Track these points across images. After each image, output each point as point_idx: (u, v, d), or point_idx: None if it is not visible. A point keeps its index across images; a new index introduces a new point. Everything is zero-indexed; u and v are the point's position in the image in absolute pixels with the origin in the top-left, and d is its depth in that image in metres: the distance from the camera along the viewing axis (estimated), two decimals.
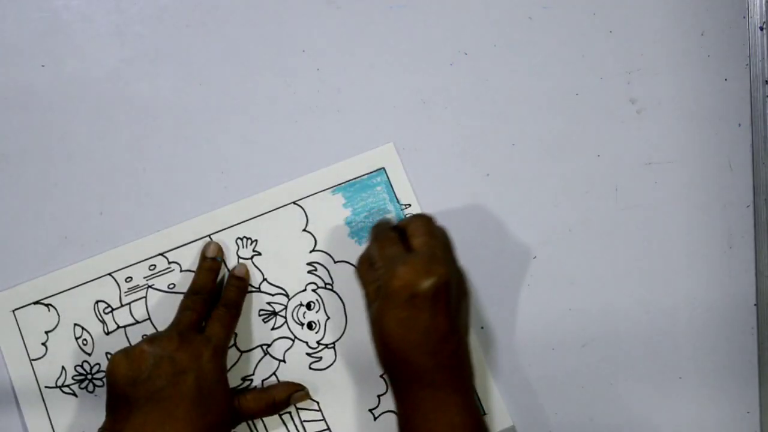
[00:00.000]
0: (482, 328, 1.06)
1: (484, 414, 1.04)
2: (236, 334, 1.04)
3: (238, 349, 1.04)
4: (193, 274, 1.04)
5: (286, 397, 1.02)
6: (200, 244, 1.04)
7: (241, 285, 1.03)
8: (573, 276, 1.08)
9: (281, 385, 1.03)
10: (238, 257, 1.05)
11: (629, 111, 1.08)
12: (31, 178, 1.05)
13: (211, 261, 1.03)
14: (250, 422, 1.03)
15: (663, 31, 1.08)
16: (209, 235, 1.05)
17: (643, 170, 1.08)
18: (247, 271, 1.04)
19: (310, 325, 1.05)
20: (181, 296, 1.02)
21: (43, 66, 1.05)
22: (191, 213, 1.04)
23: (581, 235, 1.08)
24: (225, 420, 0.96)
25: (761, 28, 1.08)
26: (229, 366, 1.03)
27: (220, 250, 1.04)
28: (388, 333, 0.91)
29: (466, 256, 1.05)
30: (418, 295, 0.89)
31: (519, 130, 1.07)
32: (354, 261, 1.04)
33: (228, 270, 1.04)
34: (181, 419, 0.91)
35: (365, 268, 0.98)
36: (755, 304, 1.09)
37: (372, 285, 0.95)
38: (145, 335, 1.03)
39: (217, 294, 1.03)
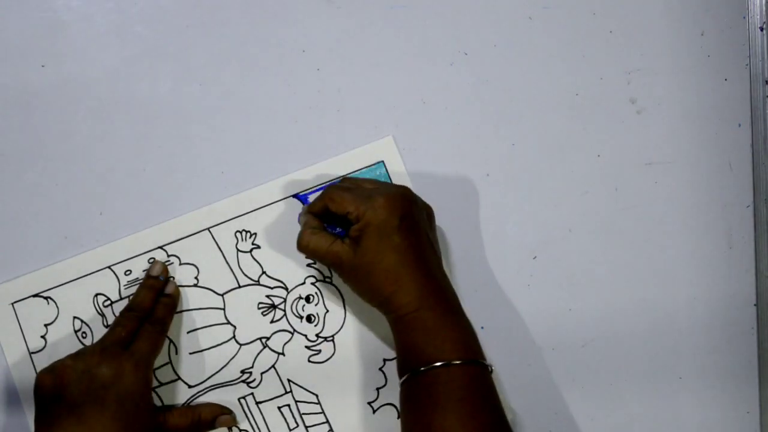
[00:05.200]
0: (482, 328, 1.06)
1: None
2: (234, 327, 1.05)
3: (237, 342, 1.05)
4: (192, 268, 1.04)
5: (212, 418, 1.03)
6: (199, 237, 1.05)
7: (169, 302, 1.03)
8: (573, 276, 1.08)
9: (209, 405, 1.04)
10: (237, 250, 1.05)
11: (629, 111, 1.08)
12: (31, 178, 1.05)
13: (153, 280, 1.03)
14: (248, 417, 1.04)
15: (663, 31, 1.08)
16: (209, 228, 1.05)
17: (643, 170, 1.08)
18: (177, 289, 1.04)
19: (309, 318, 1.05)
20: (186, 289, 1.05)
21: (43, 66, 1.05)
22: (191, 211, 1.05)
23: (581, 235, 1.08)
24: None
25: (761, 28, 1.08)
26: (228, 359, 1.04)
27: (165, 269, 1.04)
28: (386, 263, 0.94)
29: (466, 256, 1.05)
30: (406, 217, 0.94)
31: (519, 130, 1.07)
32: None
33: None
34: None
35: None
36: (755, 304, 1.08)
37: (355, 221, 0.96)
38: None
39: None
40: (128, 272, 1.05)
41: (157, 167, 1.05)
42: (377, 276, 0.94)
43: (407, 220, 0.95)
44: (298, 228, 1.04)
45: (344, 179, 1.03)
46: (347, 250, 0.95)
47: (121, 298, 1.04)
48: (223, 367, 1.05)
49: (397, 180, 1.05)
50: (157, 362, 1.02)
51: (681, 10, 1.08)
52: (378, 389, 1.05)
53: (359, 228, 0.94)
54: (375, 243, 0.94)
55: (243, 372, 1.05)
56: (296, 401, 1.05)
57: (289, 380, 1.05)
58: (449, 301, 0.96)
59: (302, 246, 0.98)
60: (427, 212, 1.00)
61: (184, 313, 1.05)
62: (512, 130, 1.07)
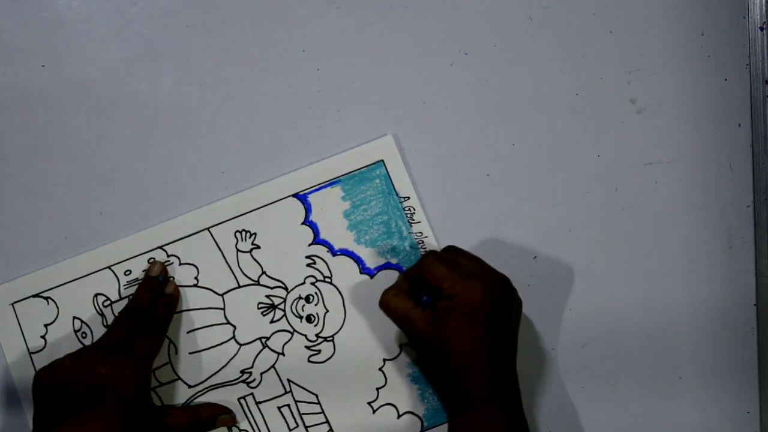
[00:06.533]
0: None
1: None
2: (234, 327, 1.05)
3: (237, 342, 1.05)
4: (192, 268, 1.05)
5: (212, 418, 1.03)
6: (199, 238, 1.05)
7: (169, 302, 1.03)
8: (573, 276, 1.08)
9: (210, 405, 1.04)
10: (237, 250, 1.05)
11: (629, 111, 1.08)
12: (31, 178, 1.05)
13: (153, 280, 1.03)
14: (248, 417, 1.04)
15: (663, 31, 1.08)
16: (208, 228, 1.05)
17: (643, 170, 1.08)
18: (176, 289, 1.05)
19: (309, 318, 1.05)
20: (186, 289, 1.05)
21: (43, 66, 1.05)
22: (191, 211, 1.05)
23: (581, 235, 1.08)
24: None
25: (761, 28, 1.08)
26: (227, 359, 1.05)
27: (164, 270, 1.04)
28: (463, 348, 0.93)
29: None
30: (496, 309, 0.94)
31: (519, 130, 1.07)
32: (353, 251, 1.05)
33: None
34: None
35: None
36: (755, 304, 1.08)
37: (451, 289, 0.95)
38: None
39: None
40: (128, 272, 1.05)
41: (157, 167, 1.05)
42: (449, 357, 0.93)
43: (497, 312, 0.94)
44: (297, 228, 1.04)
45: (448, 248, 1.02)
46: (425, 321, 0.95)
47: (121, 298, 1.05)
48: (222, 367, 1.05)
49: (397, 179, 1.06)
50: (157, 362, 1.02)
51: (681, 10, 1.08)
52: (378, 389, 1.05)
53: (448, 306, 0.94)
54: (458, 325, 0.93)
55: (243, 372, 1.05)
56: (296, 401, 1.05)
57: (288, 380, 1.05)
58: (512, 397, 0.96)
59: (382, 303, 0.98)
60: (518, 306, 0.99)
61: (184, 313, 1.05)
62: (512, 130, 1.07)
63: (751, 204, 1.08)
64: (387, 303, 0.98)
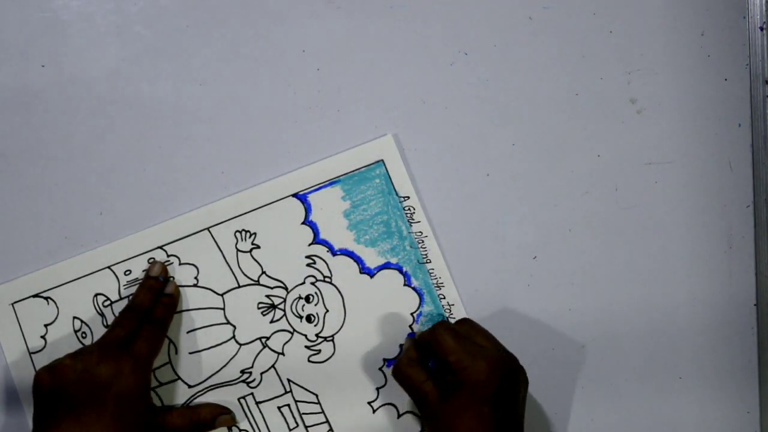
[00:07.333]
0: None
1: None
2: (234, 327, 1.05)
3: (237, 342, 1.05)
4: (192, 268, 1.05)
5: (212, 418, 1.03)
6: (199, 237, 1.05)
7: (169, 302, 1.03)
8: (573, 276, 1.07)
9: (209, 405, 1.04)
10: (237, 250, 1.05)
11: (629, 111, 1.08)
12: (31, 178, 1.05)
13: (153, 280, 1.03)
14: (249, 417, 1.05)
15: (663, 31, 1.08)
16: (208, 228, 1.05)
17: (643, 170, 1.08)
18: (176, 289, 1.05)
19: (309, 318, 1.05)
20: (186, 289, 1.05)
21: (43, 66, 1.05)
22: (191, 211, 1.05)
23: (581, 235, 1.08)
24: None
25: (761, 28, 1.08)
26: (227, 359, 1.05)
27: (164, 270, 1.04)
28: (468, 426, 0.92)
29: (466, 256, 1.05)
30: (502, 388, 0.93)
31: (519, 130, 1.07)
32: (352, 251, 1.05)
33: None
34: None
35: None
36: (755, 304, 1.08)
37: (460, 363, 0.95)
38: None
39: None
40: (128, 272, 1.05)
41: (157, 167, 1.05)
42: None
43: (503, 391, 0.93)
44: (297, 228, 1.04)
45: (462, 321, 1.03)
46: (435, 394, 0.95)
47: (121, 298, 1.05)
48: (222, 367, 1.05)
49: (397, 179, 1.06)
50: (157, 362, 1.02)
51: (681, 10, 1.08)
52: (378, 389, 1.05)
53: (454, 381, 0.94)
54: (464, 403, 0.93)
55: (243, 372, 1.05)
56: (296, 401, 1.05)
57: (288, 380, 1.05)
58: None
59: (397, 372, 0.98)
60: (525, 385, 0.98)
61: (184, 313, 1.05)
62: (512, 130, 1.07)
63: (751, 204, 1.08)
64: (402, 372, 0.98)
